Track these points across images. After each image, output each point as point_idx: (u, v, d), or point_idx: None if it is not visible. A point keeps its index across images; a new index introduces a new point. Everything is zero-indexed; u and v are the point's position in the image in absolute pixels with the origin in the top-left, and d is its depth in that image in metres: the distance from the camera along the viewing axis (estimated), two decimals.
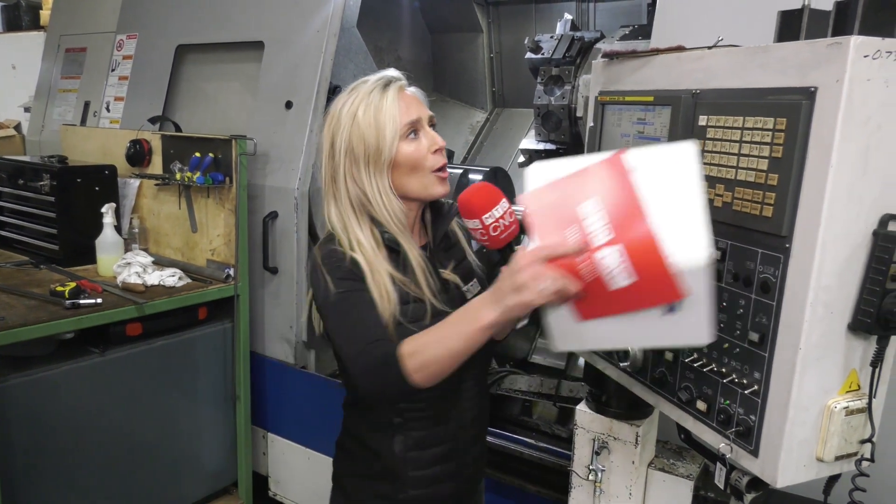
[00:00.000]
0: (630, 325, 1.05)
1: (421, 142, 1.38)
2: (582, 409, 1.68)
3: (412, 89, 1.44)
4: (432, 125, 1.43)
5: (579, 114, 2.54)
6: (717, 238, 1.19)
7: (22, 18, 6.25)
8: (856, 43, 0.94)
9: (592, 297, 1.03)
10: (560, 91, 2.79)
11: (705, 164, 1.20)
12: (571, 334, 1.11)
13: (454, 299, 1.44)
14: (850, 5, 1.01)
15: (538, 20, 3.92)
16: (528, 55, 2.95)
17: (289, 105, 2.95)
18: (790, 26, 1.12)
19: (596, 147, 1.53)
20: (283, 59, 3.00)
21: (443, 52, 4.25)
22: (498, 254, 1.28)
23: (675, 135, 1.26)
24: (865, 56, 0.95)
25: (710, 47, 1.23)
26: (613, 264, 0.99)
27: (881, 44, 0.95)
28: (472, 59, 4.16)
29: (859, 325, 1.04)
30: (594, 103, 1.53)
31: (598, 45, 2.87)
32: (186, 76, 3.56)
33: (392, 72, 1.42)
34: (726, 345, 1.18)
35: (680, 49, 1.35)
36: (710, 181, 1.18)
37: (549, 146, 2.81)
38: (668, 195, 1.00)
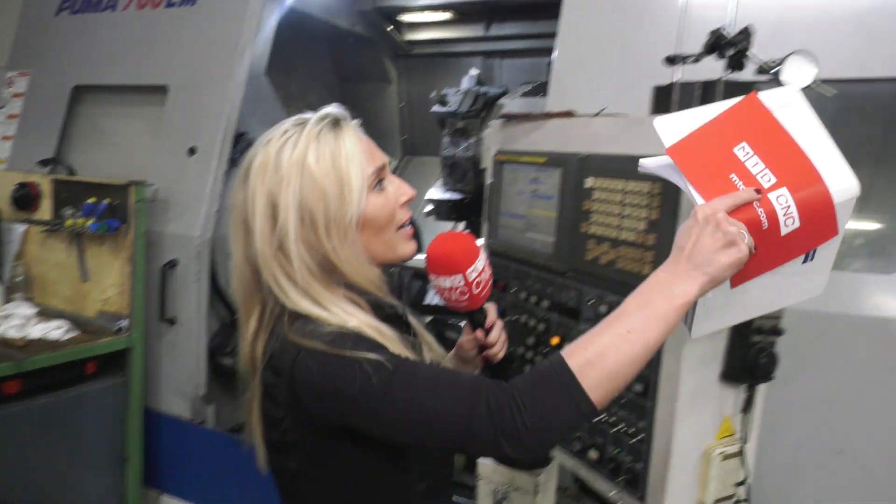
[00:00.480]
0: (772, 283, 0.95)
1: (388, 193, 1.10)
2: (483, 460, 1.70)
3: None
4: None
5: (484, 165, 2.63)
6: (604, 293, 1.26)
7: None
8: None
9: (761, 251, 0.89)
10: (466, 143, 2.89)
11: (591, 223, 1.27)
12: (718, 309, 0.96)
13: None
14: (713, 86, 1.13)
15: (446, 72, 4.05)
16: (435, 108, 3.04)
17: (192, 151, 2.88)
18: (663, 100, 1.22)
19: (497, 204, 1.59)
20: (187, 104, 2.94)
21: (353, 100, 4.29)
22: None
23: (565, 194, 1.33)
24: None
25: (595, 115, 1.32)
26: (787, 207, 0.89)
27: None
28: (383, 109, 4.23)
29: (729, 374, 1.12)
30: (492, 162, 1.60)
31: (501, 101, 3.00)
32: (84, 117, 3.41)
33: (334, 108, 1.12)
34: None
35: (570, 114, 1.44)
36: (597, 240, 1.26)
37: (456, 196, 2.89)
38: (807, 131, 0.94)
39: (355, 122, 1.12)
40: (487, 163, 1.64)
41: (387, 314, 1.09)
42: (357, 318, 1.02)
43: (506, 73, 3.95)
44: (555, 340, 1.39)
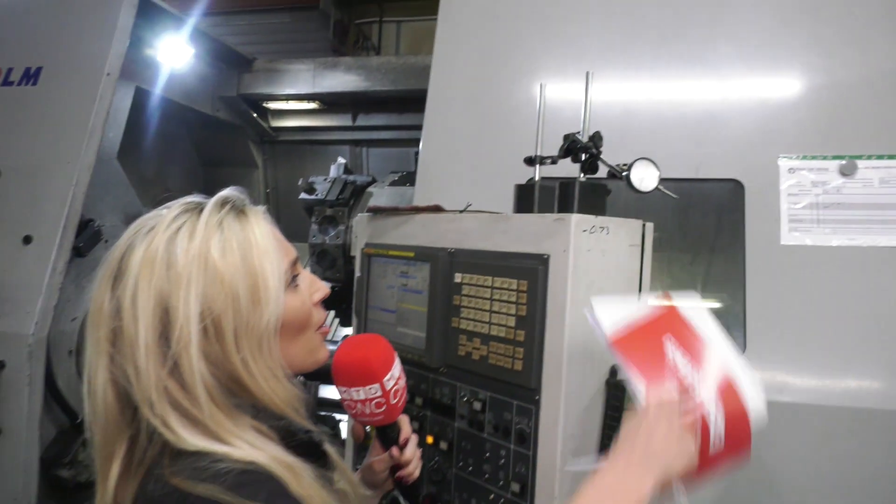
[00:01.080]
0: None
1: (302, 291, 0.95)
2: None
3: None
4: None
5: (353, 253, 2.61)
6: (477, 389, 1.24)
7: None
8: (576, 220, 1.09)
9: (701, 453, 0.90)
10: (335, 231, 2.86)
11: (462, 318, 1.27)
12: None
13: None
14: (570, 186, 1.19)
15: (314, 159, 4.05)
16: (303, 195, 3.00)
17: (27, 240, 2.60)
18: (525, 198, 1.28)
19: (367, 298, 1.55)
20: (23, 189, 2.67)
21: (216, 185, 4.10)
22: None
23: (434, 289, 1.33)
24: (584, 230, 1.10)
25: (461, 211, 1.35)
26: (719, 420, 0.89)
27: (595, 220, 1.12)
28: (248, 194, 4.10)
29: None
30: (360, 255, 1.57)
31: (369, 189, 3.02)
32: None
33: (233, 192, 0.96)
34: (492, 496, 1.21)
35: (438, 209, 1.46)
36: (468, 335, 1.25)
37: (325, 284, 2.81)
38: (722, 348, 0.99)
39: (261, 207, 0.96)
40: (357, 252, 1.61)
41: (299, 441, 0.88)
42: (265, 453, 0.79)
43: (373, 161, 4.01)
44: (430, 440, 1.35)
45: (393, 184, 3.04)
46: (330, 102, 3.66)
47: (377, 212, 1.56)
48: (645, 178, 1.19)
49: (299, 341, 0.93)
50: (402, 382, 1.01)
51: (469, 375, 1.27)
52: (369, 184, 3.08)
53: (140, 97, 3.06)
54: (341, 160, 3.35)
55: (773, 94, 1.86)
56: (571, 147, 1.19)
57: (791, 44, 1.87)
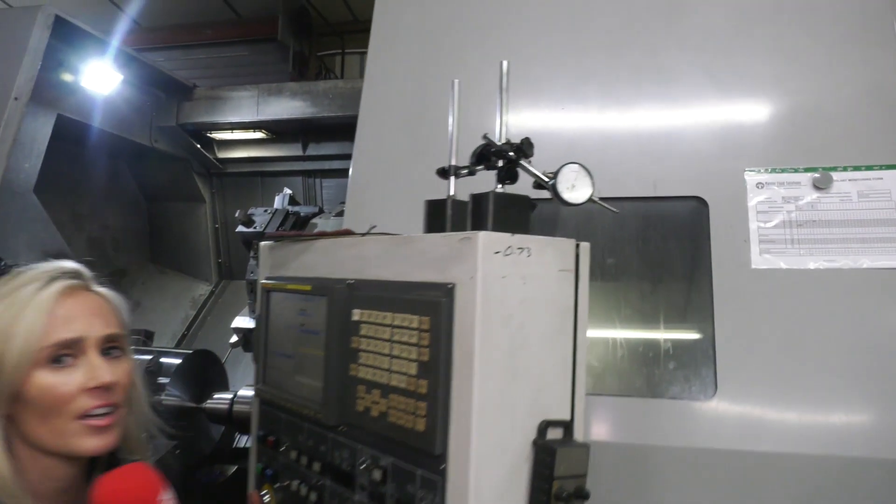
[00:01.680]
0: None
1: (70, 374, 0.94)
2: None
3: (103, 292, 1.05)
4: (113, 347, 1.01)
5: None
6: (378, 454, 1.00)
7: None
8: (484, 239, 0.87)
9: None
10: None
11: (361, 364, 1.03)
12: None
13: None
14: (483, 200, 0.97)
15: (265, 191, 3.82)
16: (240, 228, 2.76)
17: None
18: (436, 215, 1.05)
19: (262, 338, 1.31)
20: None
21: (161, 220, 3.91)
22: None
23: (332, 329, 1.09)
24: (496, 252, 0.88)
25: (364, 234, 1.12)
26: None
27: (510, 239, 0.89)
28: (195, 229, 3.87)
29: None
30: (260, 290, 1.33)
31: (314, 220, 2.79)
32: None
33: (70, 265, 1.02)
34: None
35: (348, 233, 1.23)
36: (367, 385, 1.01)
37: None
38: None
39: (80, 282, 1.01)
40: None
41: None
42: None
43: (327, 192, 3.80)
44: None
45: (339, 214, 2.81)
46: (278, 131, 3.45)
47: (277, 239, 1.33)
48: (576, 186, 0.97)
49: (48, 423, 0.93)
50: None
51: (368, 436, 1.02)
52: (315, 215, 2.85)
53: (64, 126, 2.82)
54: (287, 191, 3.12)
55: (735, 102, 1.67)
56: (485, 152, 0.97)
57: (753, 48, 1.69)
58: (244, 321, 2.71)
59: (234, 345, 2.74)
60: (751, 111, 1.67)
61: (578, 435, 0.95)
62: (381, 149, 1.89)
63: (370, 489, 1.01)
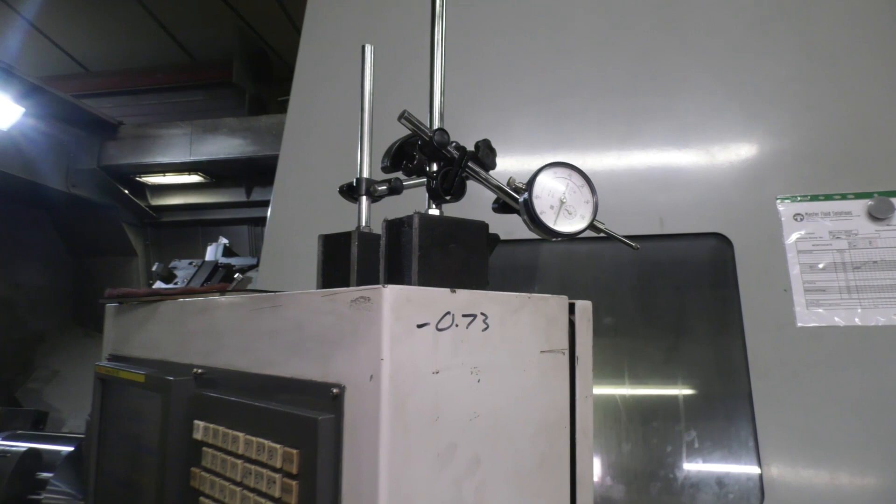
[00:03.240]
0: None
1: None
2: None
3: None
4: None
5: None
6: None
7: None
8: (395, 298, 0.45)
9: None
10: None
11: None
12: None
13: None
14: (403, 229, 0.55)
15: (206, 242, 3.38)
16: (158, 284, 2.33)
17: None
18: (335, 260, 0.63)
19: (93, 454, 0.85)
20: None
21: (88, 276, 3.45)
22: None
23: (164, 449, 0.65)
24: (422, 325, 0.46)
25: (225, 292, 0.70)
26: None
27: (452, 300, 0.47)
28: (126, 286, 3.40)
29: None
30: (94, 378, 0.89)
31: (250, 273, 2.36)
32: None
33: None
34: None
35: (222, 289, 0.80)
36: None
37: None
38: None
39: None
40: None
41: None
42: None
43: None
44: None
45: None
46: (217, 174, 3.05)
47: (122, 299, 0.90)
48: (569, 204, 0.56)
49: None
50: None
51: None
52: (252, 267, 2.42)
53: None
54: (223, 240, 2.70)
55: (756, 113, 1.30)
56: (406, 147, 0.57)
57: (774, 45, 1.33)
58: None
59: None
60: (778, 125, 1.30)
61: None
62: (303, 186, 1.49)
63: None
